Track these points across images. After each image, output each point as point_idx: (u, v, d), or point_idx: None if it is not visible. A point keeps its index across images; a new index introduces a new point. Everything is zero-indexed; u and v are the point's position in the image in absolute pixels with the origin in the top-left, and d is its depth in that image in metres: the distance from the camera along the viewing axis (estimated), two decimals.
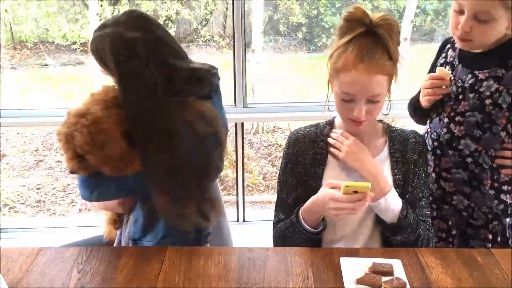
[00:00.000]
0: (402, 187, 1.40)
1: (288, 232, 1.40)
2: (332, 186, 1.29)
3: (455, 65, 1.55)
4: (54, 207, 4.02)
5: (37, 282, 1.21)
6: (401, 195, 1.39)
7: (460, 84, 1.51)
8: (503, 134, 1.46)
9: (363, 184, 1.23)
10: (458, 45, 1.50)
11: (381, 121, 1.49)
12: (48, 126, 4.79)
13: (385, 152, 1.44)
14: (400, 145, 1.44)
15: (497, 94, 1.44)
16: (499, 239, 1.55)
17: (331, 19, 5.47)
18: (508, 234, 1.55)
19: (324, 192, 1.30)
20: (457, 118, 1.52)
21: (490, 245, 1.55)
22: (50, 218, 3.90)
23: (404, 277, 1.20)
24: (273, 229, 1.49)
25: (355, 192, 1.23)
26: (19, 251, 1.34)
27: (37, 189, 4.22)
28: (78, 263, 1.29)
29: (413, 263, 1.28)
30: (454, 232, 1.61)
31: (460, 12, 1.39)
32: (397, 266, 1.24)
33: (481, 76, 1.47)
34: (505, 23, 1.36)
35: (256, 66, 4.79)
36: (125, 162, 1.28)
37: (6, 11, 5.17)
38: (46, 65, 5.71)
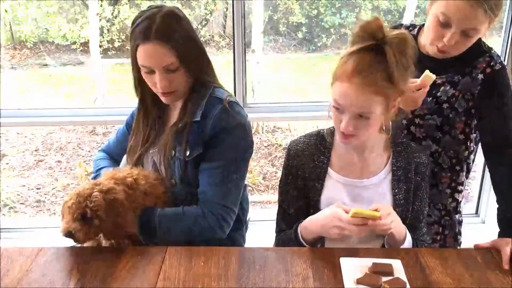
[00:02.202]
0: (402, 206, 1.39)
1: (289, 245, 1.40)
2: (340, 207, 1.29)
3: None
4: (54, 207, 4.02)
5: (37, 282, 1.21)
6: (401, 214, 1.37)
7: None
8: (461, 136, 1.55)
9: (372, 214, 1.23)
10: (432, 53, 1.49)
11: (386, 132, 1.42)
12: (48, 126, 4.79)
13: (387, 168, 1.41)
14: (404, 163, 1.41)
15: (453, 98, 1.51)
16: (447, 232, 1.67)
17: (331, 19, 5.47)
18: (457, 230, 1.69)
19: (331, 210, 1.29)
20: (416, 121, 1.57)
21: (440, 237, 1.68)
22: (50, 218, 3.90)
23: (404, 277, 1.20)
24: (276, 237, 1.49)
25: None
26: (19, 251, 1.34)
27: (37, 189, 4.22)
28: (78, 263, 1.28)
29: (413, 263, 1.28)
30: None
31: (446, 25, 1.40)
32: (397, 266, 1.24)
33: (438, 81, 1.50)
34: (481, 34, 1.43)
35: (256, 66, 4.79)
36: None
37: (6, 11, 5.16)
38: (46, 65, 5.71)
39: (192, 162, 1.45)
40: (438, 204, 1.65)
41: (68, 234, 1.29)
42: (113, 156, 1.70)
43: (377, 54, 1.21)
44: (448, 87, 1.51)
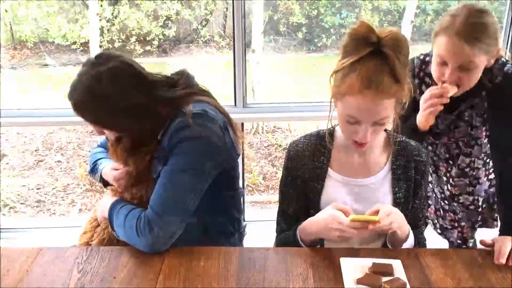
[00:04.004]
0: (402, 204, 1.38)
1: (288, 246, 1.40)
2: (338, 209, 1.29)
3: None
4: (54, 207, 4.03)
5: (37, 282, 1.21)
6: (401, 213, 1.37)
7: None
8: (485, 141, 1.66)
9: (370, 219, 1.23)
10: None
11: (385, 129, 1.42)
12: (48, 126, 4.79)
13: (387, 167, 1.40)
14: (403, 161, 1.41)
15: (471, 117, 1.61)
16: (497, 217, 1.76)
17: (331, 19, 5.47)
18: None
19: (330, 212, 1.29)
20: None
21: (496, 223, 1.79)
22: (50, 218, 3.90)
23: (404, 277, 1.20)
24: (276, 237, 1.49)
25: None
26: (19, 251, 1.34)
27: (37, 189, 4.22)
28: (78, 263, 1.29)
29: (413, 263, 1.28)
30: (463, 223, 1.83)
31: (443, 63, 1.44)
32: (397, 266, 1.24)
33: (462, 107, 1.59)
34: (485, 64, 1.44)
35: (256, 66, 4.79)
36: None
37: (6, 11, 5.16)
38: (46, 65, 5.71)
39: None
40: (481, 193, 1.77)
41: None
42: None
43: (378, 58, 1.19)
44: (469, 110, 1.59)
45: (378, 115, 1.23)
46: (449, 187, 1.79)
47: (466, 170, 1.72)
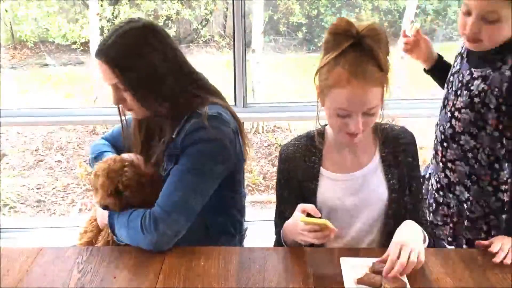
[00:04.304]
0: (397, 191, 1.39)
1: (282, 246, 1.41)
2: (303, 210, 1.29)
3: (463, 58, 1.57)
4: (54, 207, 4.02)
5: (37, 282, 1.21)
6: (398, 199, 1.38)
7: (460, 79, 1.53)
8: (496, 133, 1.48)
9: (319, 222, 1.22)
10: (467, 45, 1.50)
11: None
12: (48, 126, 4.79)
13: (377, 157, 1.41)
14: (391, 147, 1.41)
15: (483, 93, 1.45)
16: (493, 232, 1.56)
17: (331, 19, 5.47)
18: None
19: (294, 217, 1.29)
20: (456, 114, 1.54)
21: (484, 236, 1.56)
22: (50, 218, 3.90)
23: (404, 277, 1.20)
24: (276, 238, 1.50)
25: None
26: (19, 251, 1.34)
27: (37, 189, 4.22)
28: (78, 263, 1.29)
29: None
30: (455, 219, 1.64)
31: (468, 13, 1.39)
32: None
33: (475, 74, 1.49)
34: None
35: (256, 66, 4.78)
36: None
37: (6, 11, 5.17)
38: (46, 65, 5.72)
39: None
40: (480, 201, 1.56)
41: (105, 207, 1.40)
42: (116, 145, 1.66)
43: (360, 49, 1.22)
44: (479, 81, 1.47)
45: (368, 103, 1.24)
46: (448, 172, 1.62)
47: (468, 155, 1.54)
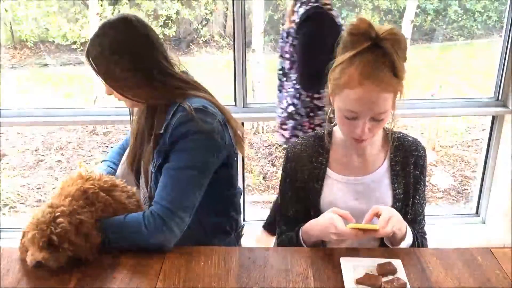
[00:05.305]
0: (402, 200, 1.39)
1: (291, 246, 1.40)
2: (337, 213, 1.28)
3: None
4: None
5: (37, 282, 1.21)
6: (401, 208, 1.38)
7: None
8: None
9: (369, 227, 1.23)
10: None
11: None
12: (48, 126, 4.79)
13: (386, 164, 1.40)
14: (401, 157, 1.40)
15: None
16: None
17: None
18: None
19: (328, 216, 1.29)
20: None
21: None
22: None
23: (404, 277, 1.20)
24: (276, 238, 1.49)
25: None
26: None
27: (37, 189, 4.22)
28: (78, 263, 1.28)
29: (413, 263, 1.28)
30: None
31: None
32: (397, 266, 1.24)
33: None
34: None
35: (256, 66, 4.78)
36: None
37: (6, 11, 5.16)
38: (46, 65, 5.71)
39: (159, 175, 1.41)
40: None
41: (38, 264, 1.19)
42: (116, 162, 1.70)
43: (377, 52, 1.20)
44: None
45: (377, 108, 1.22)
46: None
47: None
